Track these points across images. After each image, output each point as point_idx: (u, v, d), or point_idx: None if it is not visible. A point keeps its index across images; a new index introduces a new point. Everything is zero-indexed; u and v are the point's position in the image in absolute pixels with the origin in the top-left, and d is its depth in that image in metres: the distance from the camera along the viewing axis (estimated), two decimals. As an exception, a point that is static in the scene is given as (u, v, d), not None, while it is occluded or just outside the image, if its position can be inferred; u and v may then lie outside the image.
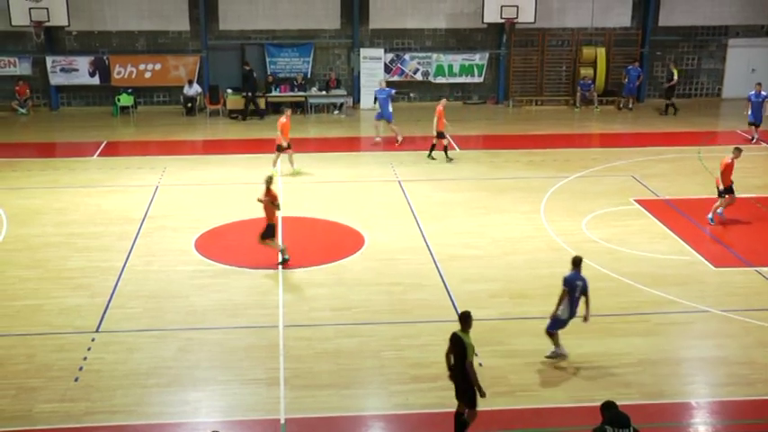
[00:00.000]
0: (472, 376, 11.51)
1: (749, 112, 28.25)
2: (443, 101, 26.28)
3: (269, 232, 17.77)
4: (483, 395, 11.60)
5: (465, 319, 11.92)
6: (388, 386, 13.44)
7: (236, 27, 32.72)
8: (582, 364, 13.96)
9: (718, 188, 20.45)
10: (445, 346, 14.32)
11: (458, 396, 11.86)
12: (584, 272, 17.35)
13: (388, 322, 15.42)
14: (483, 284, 16.96)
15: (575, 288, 13.85)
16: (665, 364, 14.09)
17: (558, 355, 14.11)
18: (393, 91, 28.63)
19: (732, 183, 20.37)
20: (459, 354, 11.67)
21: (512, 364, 13.94)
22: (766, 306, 16.06)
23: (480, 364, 13.87)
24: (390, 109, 27.86)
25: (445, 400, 12.88)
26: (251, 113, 31.59)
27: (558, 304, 13.91)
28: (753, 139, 28.17)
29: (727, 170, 20.34)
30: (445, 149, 25.68)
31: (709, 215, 20.40)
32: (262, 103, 31.83)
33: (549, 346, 14.23)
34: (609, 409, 10.14)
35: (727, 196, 20.41)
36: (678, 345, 14.93)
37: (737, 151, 20.80)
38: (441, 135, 25.56)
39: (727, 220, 20.53)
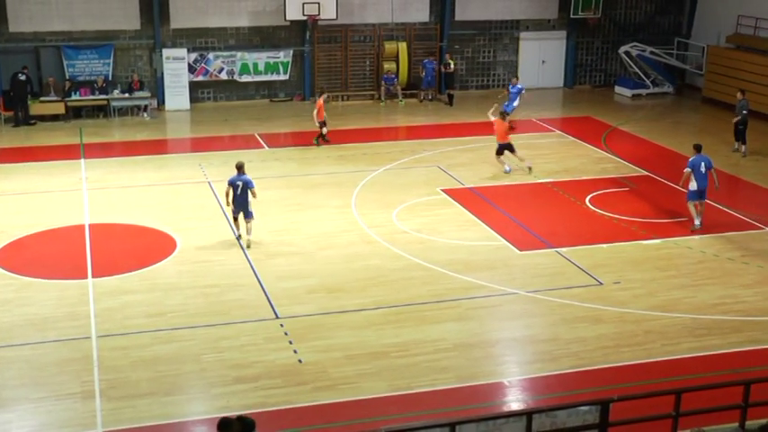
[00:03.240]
0: None
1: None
2: (324, 95, 28.24)
3: None
4: None
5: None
6: (209, 389, 13.32)
7: (28, 29, 31.19)
8: (399, 353, 14.29)
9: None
10: (265, 344, 14.41)
11: None
12: (397, 262, 17.91)
13: (207, 325, 15.26)
14: (299, 281, 17.05)
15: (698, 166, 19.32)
16: (479, 346, 14.64)
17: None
18: (523, 89, 30.28)
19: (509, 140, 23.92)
20: None
21: (331, 358, 14.10)
22: (567, 284, 16.96)
23: (300, 361, 13.98)
24: (515, 104, 29.50)
25: (267, 399, 12.93)
26: (23, 122, 30.12)
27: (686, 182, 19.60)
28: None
29: (500, 128, 23.95)
30: (321, 136, 27.31)
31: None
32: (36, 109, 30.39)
33: (364, 339, 14.53)
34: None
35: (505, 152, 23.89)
36: (489, 327, 15.54)
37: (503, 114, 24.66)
38: (323, 124, 27.23)
39: (529, 205, 21.53)
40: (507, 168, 24.18)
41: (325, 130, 27.45)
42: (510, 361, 14.49)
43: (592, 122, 30.92)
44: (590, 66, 37.41)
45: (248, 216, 18.80)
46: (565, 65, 36.96)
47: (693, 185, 19.71)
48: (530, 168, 24.21)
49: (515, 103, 29.70)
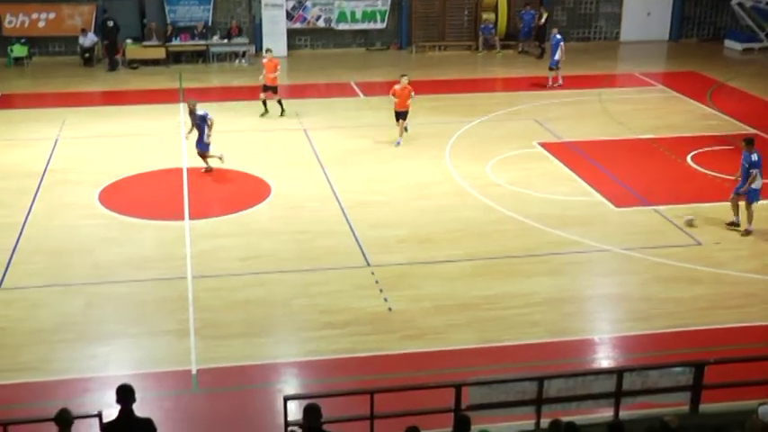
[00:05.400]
0: None
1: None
2: (269, 53, 24.83)
3: None
4: None
5: None
6: (298, 333, 13.50)
7: (131, -27, 31.79)
8: (489, 305, 14.22)
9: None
10: (355, 291, 14.52)
11: None
12: (489, 215, 17.77)
13: (298, 270, 15.43)
14: (391, 230, 17.07)
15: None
16: (570, 302, 14.46)
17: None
18: (562, 41, 28.25)
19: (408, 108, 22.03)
20: None
21: (421, 308, 14.12)
22: (664, 243, 16.57)
23: (390, 309, 14.03)
24: (557, 57, 28.00)
25: (356, 345, 13.04)
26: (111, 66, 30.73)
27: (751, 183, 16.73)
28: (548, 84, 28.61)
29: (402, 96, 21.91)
30: (272, 102, 24.87)
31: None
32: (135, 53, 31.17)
33: (454, 290, 14.58)
34: None
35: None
36: (582, 283, 15.33)
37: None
38: (267, 89, 24.62)
39: (628, 161, 21.07)
40: (399, 141, 22.08)
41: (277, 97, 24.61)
42: (601, 318, 14.29)
43: (697, 77, 29.98)
44: (698, 18, 36.16)
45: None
46: (671, 17, 35.79)
47: (759, 183, 16.98)
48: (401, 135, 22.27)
49: (557, 57, 28.14)
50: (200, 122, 19.65)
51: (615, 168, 20.61)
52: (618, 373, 10.47)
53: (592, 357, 13.09)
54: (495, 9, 33.87)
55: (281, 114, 24.67)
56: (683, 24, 36.00)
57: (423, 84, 28.76)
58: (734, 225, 17.15)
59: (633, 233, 17.08)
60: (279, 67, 24.50)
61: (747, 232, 16.94)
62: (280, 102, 24.72)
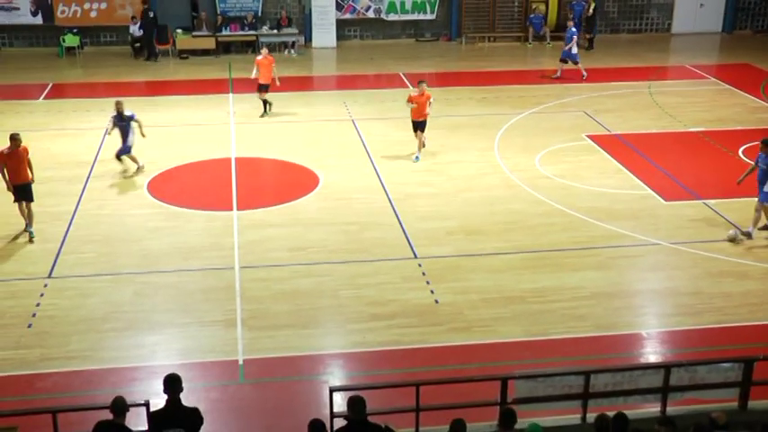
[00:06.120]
0: None
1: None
2: (265, 50, 24.53)
3: None
4: None
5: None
6: (345, 325, 13.53)
7: (183, -35, 32.05)
8: (536, 299, 14.14)
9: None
10: (402, 283, 14.52)
11: None
12: (537, 207, 17.67)
13: (345, 261, 15.47)
14: (439, 222, 17.04)
15: None
16: (618, 296, 14.33)
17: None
18: (576, 33, 28.11)
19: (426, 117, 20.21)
20: None
21: (468, 300, 14.08)
22: (713, 238, 16.35)
23: (437, 301, 14.02)
24: (575, 50, 27.75)
25: (402, 337, 13.04)
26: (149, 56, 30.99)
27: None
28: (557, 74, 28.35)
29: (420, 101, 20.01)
30: (265, 103, 24.22)
31: None
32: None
33: (501, 283, 14.50)
34: None
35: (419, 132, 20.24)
36: (630, 277, 15.18)
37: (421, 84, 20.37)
38: (262, 87, 23.93)
39: (678, 154, 20.80)
40: (417, 156, 20.41)
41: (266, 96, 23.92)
42: (649, 312, 14.13)
43: (750, 70, 29.49)
44: (753, 9, 35.54)
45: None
46: (725, 8, 35.21)
47: None
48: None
49: (575, 50, 27.79)
50: (127, 124, 19.12)
51: (665, 161, 20.36)
52: (665, 368, 10.35)
53: (639, 352, 12.95)
54: (546, 0, 33.60)
55: (263, 115, 23.84)
56: (736, 16, 35.41)
57: (472, 75, 28.77)
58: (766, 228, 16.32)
59: (682, 227, 16.87)
60: (274, 65, 23.87)
61: None
62: (267, 102, 24.01)
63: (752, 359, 10.39)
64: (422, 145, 20.51)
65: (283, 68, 29.47)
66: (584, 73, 27.90)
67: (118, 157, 19.53)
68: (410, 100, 20.22)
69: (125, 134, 19.29)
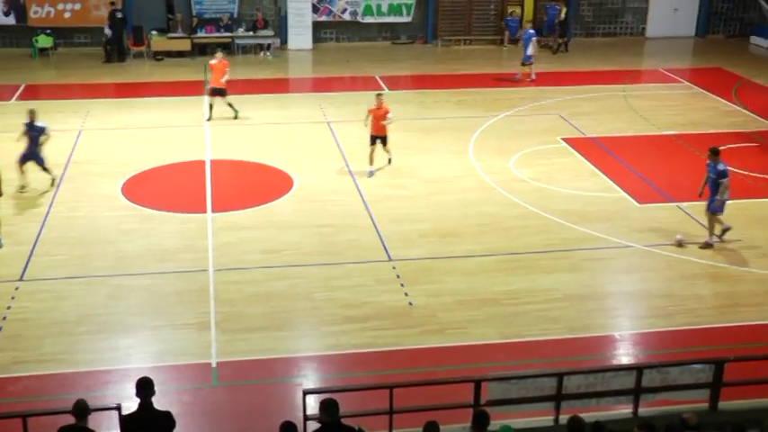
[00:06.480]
0: None
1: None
2: (220, 53, 24.17)
3: None
4: None
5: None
6: (319, 327, 13.52)
7: (158, -35, 31.87)
8: (510, 301, 14.20)
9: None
10: (376, 286, 14.53)
11: None
12: (512, 210, 17.74)
13: (319, 264, 15.46)
14: (413, 225, 17.06)
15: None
16: (591, 298, 14.42)
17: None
18: (535, 35, 28.18)
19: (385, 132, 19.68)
20: None
21: (441, 303, 14.12)
22: (687, 240, 16.45)
23: (411, 304, 14.04)
24: (530, 52, 27.76)
25: (376, 339, 13.06)
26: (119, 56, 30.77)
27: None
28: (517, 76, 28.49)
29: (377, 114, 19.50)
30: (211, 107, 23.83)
31: None
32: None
33: (475, 285, 14.56)
34: None
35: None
36: (603, 280, 15.27)
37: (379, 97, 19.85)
38: (216, 91, 23.57)
39: (651, 157, 20.93)
40: (371, 170, 19.69)
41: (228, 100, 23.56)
42: (622, 314, 14.23)
43: (722, 74, 29.72)
44: (726, 14, 35.84)
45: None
46: (698, 12, 35.49)
47: (728, 195, 16.18)
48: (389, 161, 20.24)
49: (530, 51, 27.89)
50: (37, 134, 18.48)
51: (639, 164, 20.49)
52: (638, 369, 10.43)
53: (612, 354, 13.04)
54: (521, 2, 33.71)
55: (236, 117, 23.61)
56: (709, 20, 35.70)
57: (448, 78, 28.80)
58: (708, 246, 16.21)
59: (656, 229, 16.99)
60: (228, 70, 23.52)
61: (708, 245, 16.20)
62: (231, 105, 23.68)
63: (722, 360, 10.49)
64: (373, 158, 19.72)
65: (259, 71, 29.54)
66: (533, 75, 28.02)
67: (21, 163, 18.44)
68: (369, 112, 19.81)
69: (33, 143, 18.49)
